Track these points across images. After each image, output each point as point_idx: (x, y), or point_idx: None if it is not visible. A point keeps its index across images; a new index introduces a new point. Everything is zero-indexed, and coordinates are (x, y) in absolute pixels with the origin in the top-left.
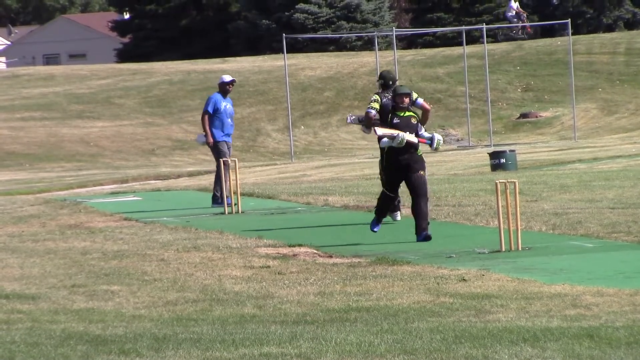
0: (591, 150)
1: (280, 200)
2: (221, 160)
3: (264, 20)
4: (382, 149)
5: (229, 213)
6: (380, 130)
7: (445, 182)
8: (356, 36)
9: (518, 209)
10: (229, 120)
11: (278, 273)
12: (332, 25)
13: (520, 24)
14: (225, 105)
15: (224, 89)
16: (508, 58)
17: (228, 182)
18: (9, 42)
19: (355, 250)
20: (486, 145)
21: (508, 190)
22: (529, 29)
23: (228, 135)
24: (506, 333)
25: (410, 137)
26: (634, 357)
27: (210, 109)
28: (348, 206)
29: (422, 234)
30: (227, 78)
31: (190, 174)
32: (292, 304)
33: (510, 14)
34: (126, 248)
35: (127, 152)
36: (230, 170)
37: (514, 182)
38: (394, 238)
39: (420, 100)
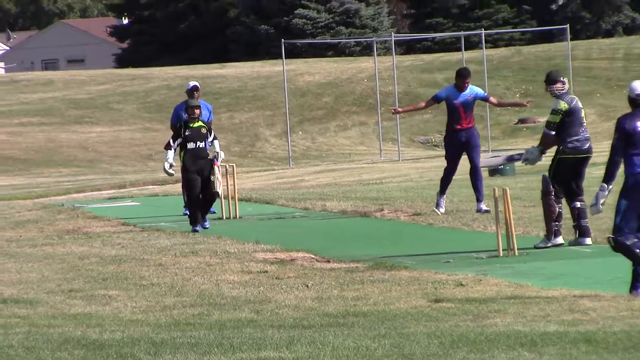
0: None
1: (278, 206)
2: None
3: (262, 26)
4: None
5: (226, 218)
6: None
7: None
8: (355, 41)
9: (511, 214)
10: None
11: (275, 278)
12: (331, 31)
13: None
14: None
15: (189, 95)
16: (506, 63)
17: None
18: (7, 47)
19: (353, 255)
20: (484, 151)
21: (506, 196)
22: None
23: None
24: (503, 338)
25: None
26: None
27: (173, 120)
28: (346, 211)
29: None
30: (190, 85)
31: None
32: (290, 308)
33: None
34: (124, 253)
35: (125, 158)
36: (229, 175)
37: (505, 189)
38: (392, 243)
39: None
